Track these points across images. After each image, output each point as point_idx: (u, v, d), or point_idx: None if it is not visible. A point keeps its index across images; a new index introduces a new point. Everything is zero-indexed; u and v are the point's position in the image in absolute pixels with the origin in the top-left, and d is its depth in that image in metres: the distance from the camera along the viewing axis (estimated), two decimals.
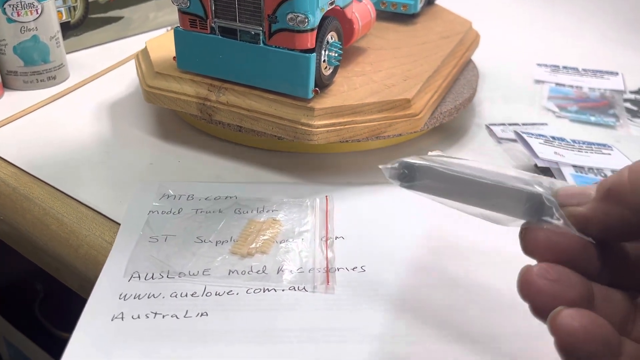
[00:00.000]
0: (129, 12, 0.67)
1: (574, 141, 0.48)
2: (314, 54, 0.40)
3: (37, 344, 0.77)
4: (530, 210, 0.25)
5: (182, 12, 0.42)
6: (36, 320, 0.79)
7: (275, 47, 0.41)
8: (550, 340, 0.22)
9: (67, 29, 0.62)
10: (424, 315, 0.32)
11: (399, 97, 0.43)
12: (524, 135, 0.48)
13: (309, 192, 0.42)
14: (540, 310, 0.23)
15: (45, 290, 0.81)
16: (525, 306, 0.24)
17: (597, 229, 0.24)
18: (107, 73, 0.59)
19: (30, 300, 0.81)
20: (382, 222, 0.40)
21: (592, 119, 0.55)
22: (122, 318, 0.31)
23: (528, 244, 0.25)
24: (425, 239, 0.38)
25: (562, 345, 0.22)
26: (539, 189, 0.25)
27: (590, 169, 0.45)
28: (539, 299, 0.23)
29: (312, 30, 0.40)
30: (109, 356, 0.29)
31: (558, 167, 0.44)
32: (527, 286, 0.23)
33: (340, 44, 0.43)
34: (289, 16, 0.39)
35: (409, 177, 0.26)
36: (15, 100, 0.53)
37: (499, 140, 0.50)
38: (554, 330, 0.22)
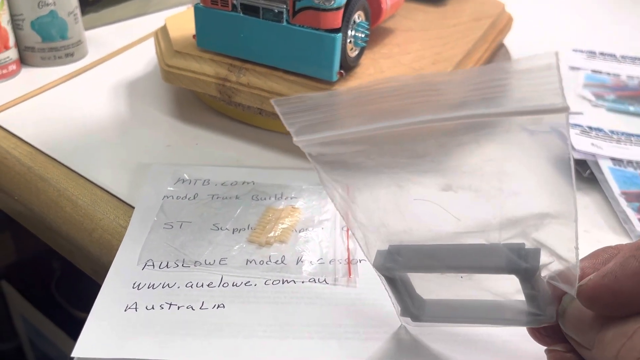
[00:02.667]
0: None
1: (612, 132, 0.46)
2: (340, 34, 0.38)
3: (54, 322, 0.78)
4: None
5: None
6: (53, 298, 0.79)
7: (299, 26, 0.39)
8: None
9: (86, 4, 0.60)
10: None
11: None
12: (559, 126, 0.45)
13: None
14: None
15: (62, 269, 0.81)
16: None
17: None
18: (125, 51, 0.58)
19: (47, 278, 0.81)
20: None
21: (631, 108, 0.52)
22: (136, 309, 0.30)
23: None
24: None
25: None
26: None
27: (630, 162, 0.42)
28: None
29: (338, 8, 0.38)
30: (122, 348, 0.28)
31: (595, 159, 0.41)
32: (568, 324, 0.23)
33: (367, 24, 0.41)
34: None
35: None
36: (32, 76, 0.52)
37: (531, 130, 0.48)
38: None
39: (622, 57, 0.62)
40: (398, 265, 0.26)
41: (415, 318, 0.28)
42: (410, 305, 0.27)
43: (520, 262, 0.23)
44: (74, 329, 0.73)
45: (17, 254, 0.91)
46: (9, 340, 0.94)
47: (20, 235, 0.87)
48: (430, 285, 0.27)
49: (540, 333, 0.26)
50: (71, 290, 0.78)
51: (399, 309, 0.28)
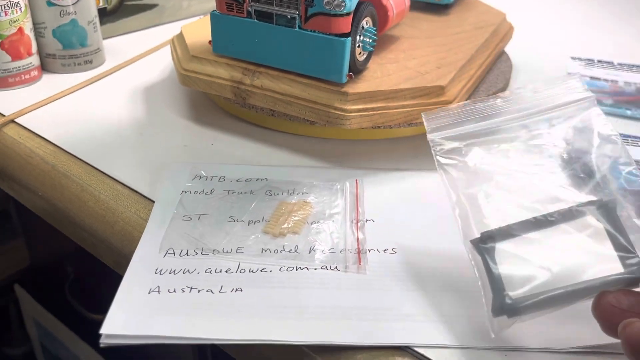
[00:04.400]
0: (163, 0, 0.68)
1: None
2: (349, 39, 0.40)
3: (67, 325, 0.79)
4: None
5: None
6: (66, 302, 0.80)
7: (311, 31, 0.41)
8: None
9: (104, 15, 0.63)
10: (455, 295, 0.32)
11: (433, 84, 0.43)
12: None
13: (339, 176, 0.42)
14: (608, 330, 0.27)
15: (75, 272, 0.82)
16: None
17: None
18: (141, 59, 0.60)
19: (60, 282, 0.83)
20: (412, 207, 0.40)
21: (628, 112, 0.54)
22: (159, 291, 0.31)
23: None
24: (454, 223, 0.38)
25: (632, 350, 0.25)
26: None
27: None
28: (608, 323, 0.27)
29: (348, 14, 0.40)
30: (147, 327, 0.29)
31: None
32: (600, 310, 0.27)
33: (375, 30, 0.43)
34: (326, 0, 0.39)
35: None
36: (53, 82, 0.55)
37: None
38: (624, 337, 0.25)
39: (620, 64, 0.64)
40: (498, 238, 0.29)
41: (512, 312, 0.28)
42: (506, 297, 0.28)
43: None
44: (87, 332, 0.75)
45: (30, 259, 0.93)
46: (20, 345, 0.95)
47: (33, 241, 0.89)
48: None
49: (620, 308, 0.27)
50: (85, 293, 0.79)
51: (494, 306, 0.28)
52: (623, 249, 0.28)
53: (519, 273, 0.29)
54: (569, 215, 0.30)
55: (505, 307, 0.28)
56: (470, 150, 0.34)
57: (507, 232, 0.30)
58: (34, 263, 0.93)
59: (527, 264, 0.29)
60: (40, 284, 0.88)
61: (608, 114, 0.54)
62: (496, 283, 0.28)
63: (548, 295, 0.28)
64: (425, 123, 0.35)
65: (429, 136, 0.35)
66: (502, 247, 0.29)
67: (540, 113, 0.35)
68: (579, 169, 0.32)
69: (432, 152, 0.35)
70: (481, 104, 0.36)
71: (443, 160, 0.34)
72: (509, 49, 0.59)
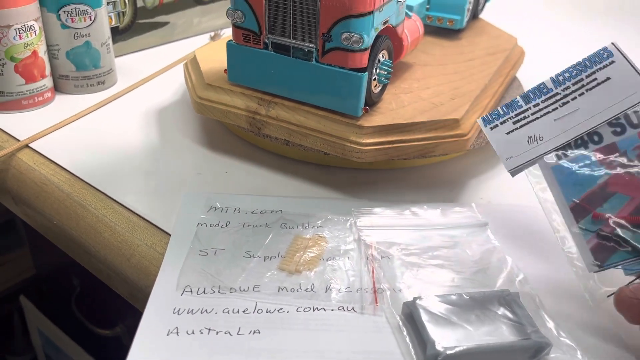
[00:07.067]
0: (174, 17, 0.68)
1: None
2: (366, 73, 0.40)
3: (71, 337, 0.79)
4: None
5: (236, 26, 0.43)
6: (71, 314, 0.80)
7: (328, 65, 0.41)
8: None
9: (116, 33, 0.63)
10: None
11: (448, 117, 0.43)
12: None
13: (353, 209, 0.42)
14: (632, 319, 0.32)
15: (81, 285, 0.83)
16: None
17: None
18: (153, 78, 0.60)
19: (66, 293, 0.83)
20: (427, 243, 0.40)
21: None
22: (177, 333, 0.32)
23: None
24: (472, 262, 0.38)
25: None
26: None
27: None
28: (630, 313, 0.32)
29: (365, 49, 0.40)
30: None
31: None
32: (621, 303, 0.32)
33: (390, 62, 0.43)
34: (344, 35, 0.39)
35: None
36: (66, 104, 0.55)
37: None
38: None
39: None
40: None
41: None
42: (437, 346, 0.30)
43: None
44: (91, 345, 0.75)
45: (35, 269, 0.93)
46: (25, 354, 0.96)
47: (38, 251, 0.90)
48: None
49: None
50: (90, 306, 0.80)
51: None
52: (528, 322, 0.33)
53: (444, 329, 0.32)
54: (481, 297, 0.34)
55: (437, 355, 0.30)
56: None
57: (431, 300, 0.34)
58: (39, 273, 0.93)
59: (449, 322, 0.33)
60: (45, 294, 0.89)
61: None
62: (427, 336, 0.31)
63: (472, 346, 0.31)
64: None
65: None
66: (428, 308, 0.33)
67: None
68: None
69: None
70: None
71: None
72: (520, 74, 0.59)
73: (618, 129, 0.36)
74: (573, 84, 0.37)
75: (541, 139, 0.37)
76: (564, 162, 0.37)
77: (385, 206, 0.43)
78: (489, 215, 0.42)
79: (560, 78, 0.37)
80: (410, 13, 0.49)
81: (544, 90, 0.38)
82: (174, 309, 0.33)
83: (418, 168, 0.48)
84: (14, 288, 0.94)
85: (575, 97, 0.37)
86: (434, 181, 0.47)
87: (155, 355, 0.30)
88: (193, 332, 0.32)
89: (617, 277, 0.34)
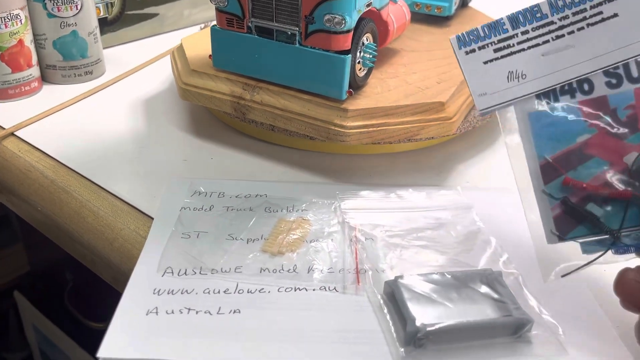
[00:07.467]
0: (164, 9, 0.68)
1: None
2: (350, 56, 0.40)
3: (65, 332, 0.79)
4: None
5: (219, 10, 0.43)
6: (65, 309, 0.80)
7: (311, 47, 0.41)
8: None
9: (104, 24, 0.63)
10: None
11: (433, 100, 0.43)
12: None
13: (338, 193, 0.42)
14: (629, 305, 0.29)
15: (74, 280, 0.82)
16: None
17: None
18: (142, 69, 0.60)
19: (60, 289, 0.83)
20: (412, 225, 0.40)
21: None
22: (157, 312, 0.31)
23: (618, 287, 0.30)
24: (456, 243, 0.38)
25: None
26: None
27: None
28: (630, 297, 0.29)
29: (348, 31, 0.40)
30: (145, 350, 0.29)
31: None
32: (621, 285, 0.29)
33: (375, 46, 0.43)
34: (326, 17, 0.39)
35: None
36: (53, 93, 0.55)
37: None
38: None
39: None
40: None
41: (422, 339, 0.30)
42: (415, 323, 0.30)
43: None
44: (85, 339, 0.75)
45: (29, 265, 0.93)
46: (20, 350, 0.95)
47: (33, 247, 0.90)
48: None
49: None
50: (84, 301, 0.80)
51: (406, 335, 0.30)
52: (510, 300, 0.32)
53: (425, 307, 0.31)
54: (463, 276, 0.34)
55: (417, 331, 0.30)
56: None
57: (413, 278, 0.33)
58: (34, 269, 0.93)
59: (431, 300, 0.32)
60: (40, 290, 0.89)
61: None
62: (407, 313, 0.31)
63: (452, 323, 0.30)
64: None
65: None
66: (409, 286, 0.33)
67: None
68: None
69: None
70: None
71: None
72: None
73: (614, 81, 0.31)
74: (573, 14, 0.31)
75: (524, 77, 0.31)
76: (544, 110, 0.32)
77: (370, 189, 0.43)
78: (474, 198, 0.42)
79: (560, 3, 0.31)
80: None
81: (537, 15, 0.31)
82: (154, 290, 0.33)
83: (405, 153, 0.48)
84: (9, 284, 0.94)
85: (573, 32, 0.31)
86: (421, 166, 0.46)
87: (134, 335, 0.30)
88: (173, 312, 0.32)
89: (575, 253, 0.32)
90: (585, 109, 0.31)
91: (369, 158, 0.47)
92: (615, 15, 0.30)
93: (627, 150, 0.31)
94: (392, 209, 0.41)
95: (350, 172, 0.45)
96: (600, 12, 0.30)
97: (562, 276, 0.31)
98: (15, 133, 0.48)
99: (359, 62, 0.42)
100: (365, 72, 0.44)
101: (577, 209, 0.31)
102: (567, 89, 0.31)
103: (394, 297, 0.32)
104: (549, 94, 0.31)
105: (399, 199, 0.42)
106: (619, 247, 0.30)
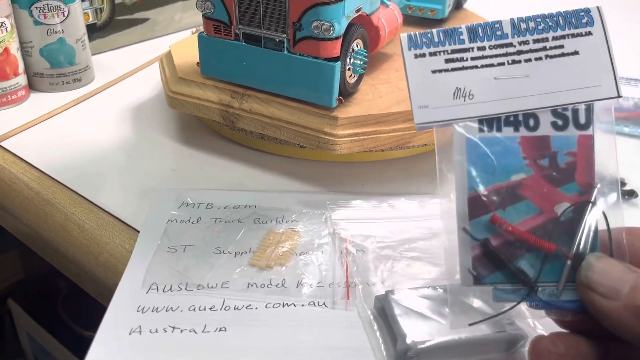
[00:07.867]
0: (154, 13, 0.67)
1: None
2: (339, 63, 0.39)
3: (58, 340, 0.78)
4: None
5: (206, 17, 0.42)
6: (59, 317, 0.80)
7: (300, 54, 0.40)
8: None
9: (93, 30, 0.62)
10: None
11: None
12: None
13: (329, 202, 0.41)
14: None
15: (68, 288, 0.82)
16: None
17: (616, 328, 0.25)
18: (131, 75, 0.59)
19: (53, 297, 0.82)
20: (404, 235, 0.39)
21: (626, 129, 0.53)
22: (140, 332, 0.30)
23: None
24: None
25: None
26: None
27: None
28: None
29: (337, 38, 0.39)
30: None
31: None
32: (536, 355, 0.26)
33: (365, 52, 0.42)
34: (314, 24, 0.38)
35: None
36: (40, 101, 0.54)
37: None
38: None
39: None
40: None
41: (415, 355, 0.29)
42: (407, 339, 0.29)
43: None
44: (79, 348, 0.74)
45: (24, 272, 0.92)
46: (15, 358, 0.95)
47: (27, 254, 0.89)
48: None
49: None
50: (77, 308, 0.79)
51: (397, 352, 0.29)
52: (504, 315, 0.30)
53: (416, 322, 0.30)
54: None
55: (408, 349, 0.29)
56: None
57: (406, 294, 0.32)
58: (28, 276, 0.92)
59: (422, 316, 0.31)
60: (34, 297, 0.88)
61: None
62: (398, 330, 0.30)
63: (445, 340, 0.29)
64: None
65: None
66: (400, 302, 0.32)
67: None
68: None
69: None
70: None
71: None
72: None
73: (560, 122, 0.29)
74: (534, 41, 0.29)
75: (471, 97, 0.28)
76: (484, 138, 0.29)
77: (362, 198, 0.42)
78: None
79: (522, 25, 0.29)
80: (387, 2, 0.48)
81: (497, 33, 0.29)
82: (138, 307, 0.32)
83: (397, 160, 0.47)
84: (3, 292, 0.93)
85: (530, 60, 0.28)
86: (413, 174, 0.46)
87: (116, 355, 0.29)
88: (157, 331, 0.31)
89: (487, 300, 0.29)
90: (526, 145, 0.29)
91: (361, 165, 0.46)
92: (576, 52, 0.29)
93: (560, 199, 0.28)
94: (384, 218, 0.40)
95: (341, 180, 0.44)
96: (562, 46, 0.29)
97: (470, 325, 0.29)
98: (0, 144, 0.47)
99: (349, 69, 0.42)
100: (355, 78, 0.43)
101: (496, 255, 0.28)
102: (512, 121, 0.29)
103: (384, 313, 0.32)
104: (493, 122, 0.29)
105: (391, 208, 0.41)
106: (533, 301, 0.28)
